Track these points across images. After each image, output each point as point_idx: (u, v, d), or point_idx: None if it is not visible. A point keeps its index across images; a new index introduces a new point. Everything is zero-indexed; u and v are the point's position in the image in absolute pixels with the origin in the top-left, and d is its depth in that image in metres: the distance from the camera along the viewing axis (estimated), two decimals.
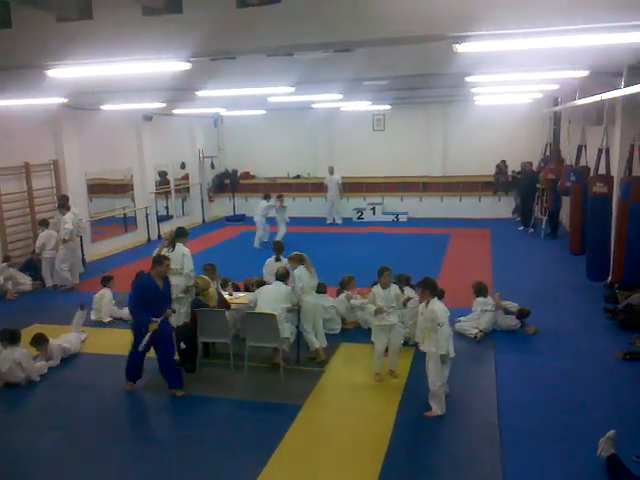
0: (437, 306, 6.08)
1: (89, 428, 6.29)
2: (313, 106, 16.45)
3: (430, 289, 6.19)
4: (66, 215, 11.59)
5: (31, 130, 12.73)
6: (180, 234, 8.59)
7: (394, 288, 7.02)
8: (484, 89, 12.31)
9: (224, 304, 7.78)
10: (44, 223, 11.72)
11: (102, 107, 13.04)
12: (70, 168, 13.63)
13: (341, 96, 12.31)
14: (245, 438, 6.05)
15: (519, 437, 5.80)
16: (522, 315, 8.63)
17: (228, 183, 20.34)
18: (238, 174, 20.47)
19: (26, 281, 11.60)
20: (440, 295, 6.45)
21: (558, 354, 7.80)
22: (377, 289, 7.01)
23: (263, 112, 18.05)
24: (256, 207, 15.64)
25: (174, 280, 8.34)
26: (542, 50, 5.84)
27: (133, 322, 7.02)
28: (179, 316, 7.75)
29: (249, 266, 10.53)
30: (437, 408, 6.20)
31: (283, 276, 7.71)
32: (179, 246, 8.39)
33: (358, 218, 18.95)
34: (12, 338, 7.40)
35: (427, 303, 6.19)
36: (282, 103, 14.07)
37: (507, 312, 8.64)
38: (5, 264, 11.43)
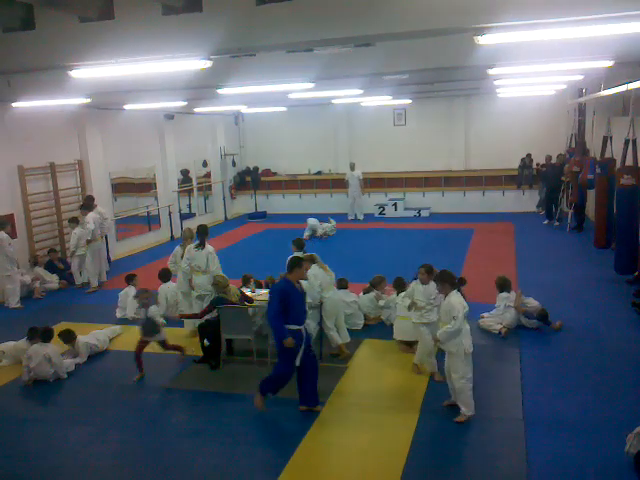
0: (454, 299, 5.97)
1: (114, 423, 6.39)
2: (333, 102, 16.42)
3: (449, 281, 6.09)
4: (88, 215, 11.66)
5: (56, 130, 12.93)
6: (205, 232, 8.61)
7: (434, 285, 6.85)
8: (507, 81, 12.15)
9: (246, 298, 7.81)
10: (75, 221, 11.81)
11: (125, 107, 13.21)
12: (94, 167, 13.83)
13: (361, 91, 12.25)
14: (268, 434, 6.08)
15: (544, 433, 5.73)
16: (543, 318, 8.29)
17: (249, 180, 20.43)
18: (259, 171, 20.57)
19: (53, 280, 11.78)
20: (461, 284, 6.31)
21: (584, 349, 7.67)
22: (416, 285, 7.02)
23: (283, 109, 18.08)
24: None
25: (198, 279, 8.40)
26: (565, 40, 5.74)
27: (274, 337, 6.25)
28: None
29: (272, 263, 10.54)
30: (466, 409, 6.00)
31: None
32: (206, 245, 8.45)
33: (380, 214, 18.89)
34: (45, 336, 7.52)
35: (445, 296, 6.12)
36: (302, 99, 14.07)
37: (528, 316, 8.31)
38: (32, 263, 11.63)
